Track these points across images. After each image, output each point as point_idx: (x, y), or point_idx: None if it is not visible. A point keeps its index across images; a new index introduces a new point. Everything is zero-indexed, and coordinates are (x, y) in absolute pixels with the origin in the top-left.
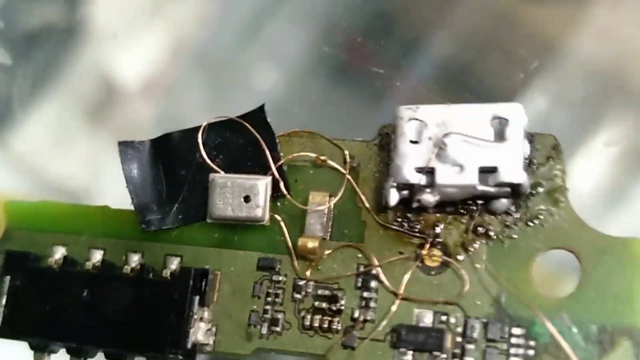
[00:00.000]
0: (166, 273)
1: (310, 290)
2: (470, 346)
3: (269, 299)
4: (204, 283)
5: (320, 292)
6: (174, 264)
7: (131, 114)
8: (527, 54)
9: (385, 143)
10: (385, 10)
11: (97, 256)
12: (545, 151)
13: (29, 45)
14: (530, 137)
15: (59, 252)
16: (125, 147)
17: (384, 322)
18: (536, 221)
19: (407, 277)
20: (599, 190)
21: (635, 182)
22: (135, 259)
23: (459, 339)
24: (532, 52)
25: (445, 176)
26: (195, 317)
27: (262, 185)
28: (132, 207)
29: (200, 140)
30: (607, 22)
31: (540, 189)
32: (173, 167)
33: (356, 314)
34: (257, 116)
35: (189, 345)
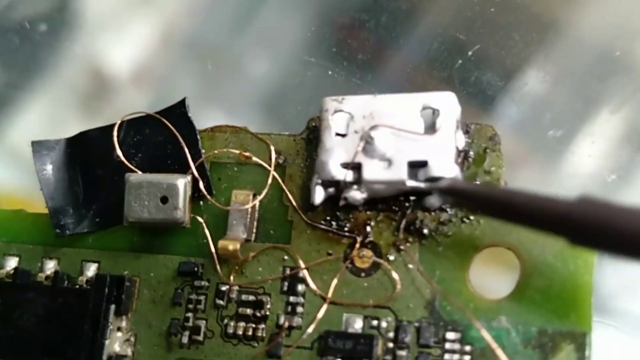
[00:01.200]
0: (82, 280)
1: (233, 295)
2: (402, 352)
3: (191, 305)
4: (120, 290)
5: (244, 297)
6: (91, 270)
7: (123, 103)
8: (524, 33)
9: (313, 137)
10: None
11: (11, 263)
12: (483, 142)
13: (20, 36)
14: (466, 128)
15: None
16: (39, 146)
17: (311, 329)
18: (472, 217)
19: (335, 279)
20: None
21: None
22: (50, 266)
23: (390, 345)
24: (530, 31)
25: (372, 172)
26: (111, 326)
27: (180, 184)
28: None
29: (115, 138)
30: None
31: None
32: (90, 167)
33: (282, 320)
34: (178, 111)
35: (105, 357)
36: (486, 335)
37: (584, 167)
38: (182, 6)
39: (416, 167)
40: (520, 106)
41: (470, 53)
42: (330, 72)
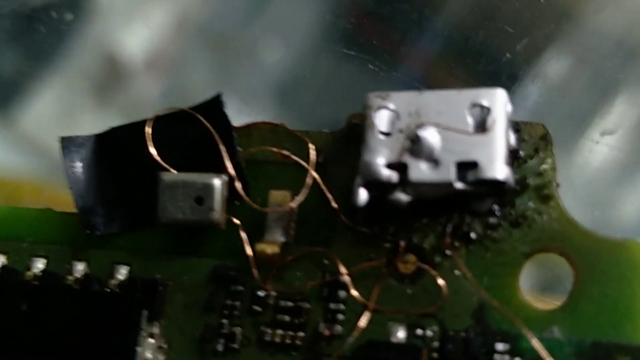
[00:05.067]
0: (113, 284)
1: (271, 301)
2: None
3: (226, 311)
4: (153, 295)
5: (282, 303)
6: (122, 273)
7: (137, 90)
8: (542, 22)
9: (355, 134)
10: None
11: (39, 265)
12: (534, 142)
13: (34, 22)
14: (517, 127)
15: None
16: (68, 142)
17: (353, 338)
18: (523, 222)
19: (378, 286)
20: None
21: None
22: (79, 269)
23: (435, 355)
24: (547, 19)
25: (419, 173)
26: (144, 333)
27: (216, 185)
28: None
29: (148, 135)
30: None
31: (528, 185)
32: (121, 164)
33: (321, 328)
34: (213, 107)
35: None
36: (538, 346)
37: (600, 154)
38: None
39: (465, 168)
40: (538, 94)
41: (485, 40)
42: (343, 59)
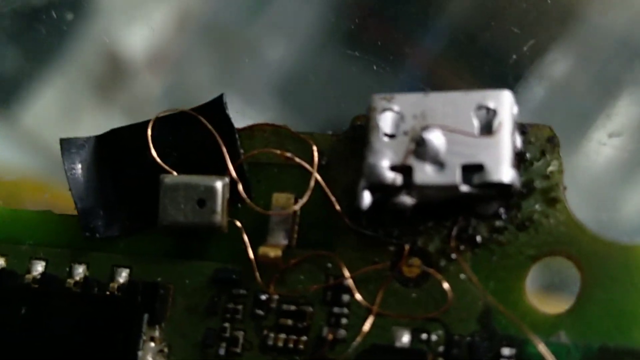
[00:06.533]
0: (113, 287)
1: (273, 305)
2: None
3: (228, 315)
4: (154, 298)
5: (285, 307)
6: (122, 276)
7: (139, 89)
8: (545, 20)
9: (359, 137)
10: None
11: (38, 268)
12: (540, 144)
13: (36, 19)
14: (523, 129)
15: None
16: (68, 144)
17: (357, 342)
18: (529, 225)
19: (382, 289)
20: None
21: None
22: (79, 271)
23: None
24: (551, 17)
25: (424, 175)
26: (145, 337)
27: (218, 187)
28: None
29: (149, 136)
30: None
31: (534, 188)
32: (122, 166)
33: (325, 333)
34: (215, 108)
35: None
36: (545, 351)
37: (604, 155)
38: None
39: (470, 171)
40: (543, 95)
41: (490, 40)
42: (347, 59)
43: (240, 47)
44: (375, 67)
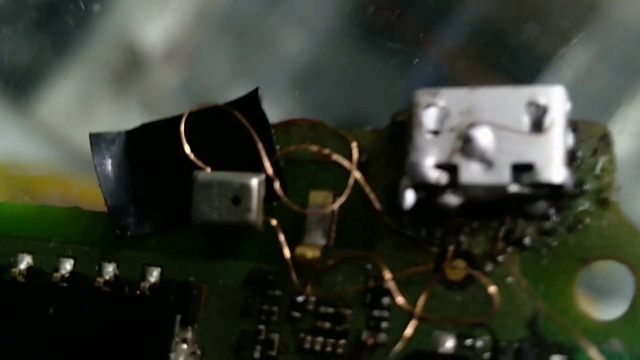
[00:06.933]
0: (144, 287)
1: (310, 307)
2: None
3: (263, 317)
4: (186, 298)
5: (322, 309)
6: (154, 275)
7: (156, 81)
8: (566, 14)
9: (400, 133)
10: None
11: (66, 266)
12: (592, 143)
13: (53, 12)
14: (575, 126)
15: (24, 261)
16: (97, 139)
17: (398, 347)
18: (580, 227)
19: (424, 292)
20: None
21: None
22: (109, 270)
23: None
24: (571, 10)
25: (471, 174)
26: (177, 338)
27: (253, 184)
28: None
29: (182, 132)
30: None
31: (586, 189)
32: (153, 162)
33: (364, 337)
34: (250, 103)
35: None
36: (597, 357)
37: (625, 145)
38: None
39: (520, 170)
40: (563, 86)
41: (513, 34)
42: (365, 52)
43: (257, 40)
44: (393, 61)
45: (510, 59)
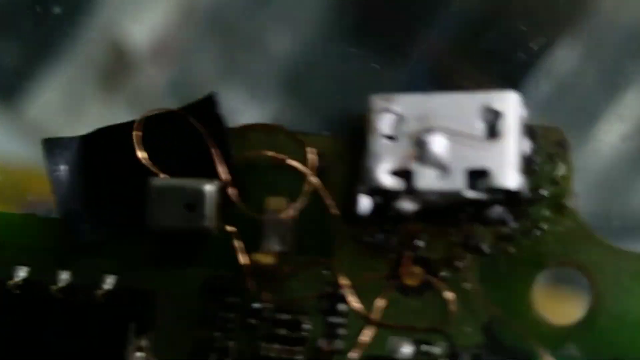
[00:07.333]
0: (99, 294)
1: (267, 314)
2: None
3: (219, 324)
4: (141, 306)
5: (279, 316)
6: (109, 283)
7: (144, 79)
8: (552, 12)
9: (357, 138)
10: None
11: (21, 274)
12: (549, 148)
13: (38, 11)
14: (532, 132)
15: None
16: (51, 144)
17: (354, 354)
18: (537, 232)
19: (381, 298)
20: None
21: None
22: (64, 277)
23: None
24: (557, 9)
25: (426, 180)
26: (132, 346)
27: (207, 190)
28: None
29: (136, 137)
30: None
31: (542, 194)
32: (108, 168)
33: (321, 344)
34: (206, 107)
35: None
36: None
37: (612, 147)
38: None
39: (475, 175)
40: (548, 86)
41: (497, 33)
42: (352, 54)
43: (245, 40)
44: (380, 64)
45: (498, 59)
